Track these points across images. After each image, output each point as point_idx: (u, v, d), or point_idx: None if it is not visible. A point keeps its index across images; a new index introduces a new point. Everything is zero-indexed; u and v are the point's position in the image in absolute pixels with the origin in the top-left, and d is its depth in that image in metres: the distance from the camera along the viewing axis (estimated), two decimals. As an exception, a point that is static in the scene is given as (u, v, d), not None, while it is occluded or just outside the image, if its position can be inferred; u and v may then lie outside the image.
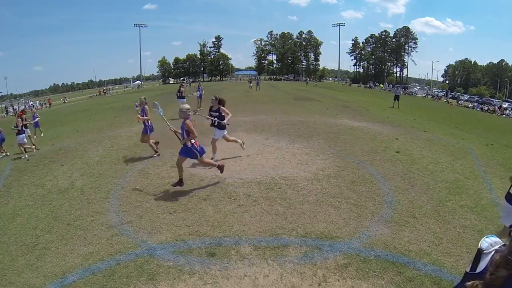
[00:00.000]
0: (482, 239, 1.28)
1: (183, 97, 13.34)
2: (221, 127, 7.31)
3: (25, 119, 10.38)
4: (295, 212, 4.96)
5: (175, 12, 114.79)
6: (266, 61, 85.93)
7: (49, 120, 14.64)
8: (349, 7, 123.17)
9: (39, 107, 39.09)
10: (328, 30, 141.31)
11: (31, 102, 43.91)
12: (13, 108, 38.96)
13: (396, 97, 22.90)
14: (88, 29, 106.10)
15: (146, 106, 8.16)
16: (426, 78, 72.14)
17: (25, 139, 9.85)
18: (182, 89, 13.71)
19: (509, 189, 3.82)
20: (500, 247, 1.22)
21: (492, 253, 1.20)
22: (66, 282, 3.50)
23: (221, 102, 7.35)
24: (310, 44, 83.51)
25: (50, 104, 43.31)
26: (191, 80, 67.01)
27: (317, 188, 5.92)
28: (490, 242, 1.24)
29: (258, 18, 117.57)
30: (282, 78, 77.91)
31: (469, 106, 37.94)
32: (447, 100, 39.35)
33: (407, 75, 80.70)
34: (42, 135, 14.07)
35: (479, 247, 1.25)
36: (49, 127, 14.36)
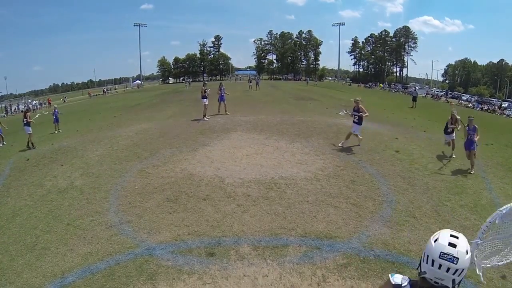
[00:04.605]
0: (393, 276, 1.37)
1: (206, 97, 13.47)
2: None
3: (29, 117, 11.39)
4: (294, 212, 4.96)
5: (172, 12, 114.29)
6: (266, 61, 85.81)
7: (49, 120, 14.58)
8: (347, 6, 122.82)
9: (39, 107, 39.02)
10: (326, 29, 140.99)
11: (34, 102, 43.86)
12: (16, 108, 38.88)
13: (414, 98, 23.48)
14: (87, 29, 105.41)
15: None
16: (426, 78, 72.06)
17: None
18: (203, 87, 13.80)
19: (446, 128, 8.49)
20: (409, 281, 1.34)
21: (406, 286, 1.31)
22: (66, 282, 3.50)
23: None
24: (310, 44, 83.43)
25: (49, 103, 43.26)
26: (190, 80, 66.86)
27: (317, 187, 5.92)
28: (401, 278, 1.35)
29: (256, 18, 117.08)
30: (282, 77, 77.82)
31: (469, 105, 37.94)
32: (447, 100, 39.34)
33: (407, 74, 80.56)
34: (56, 132, 13.67)
35: (394, 283, 1.34)
36: (49, 126, 14.33)
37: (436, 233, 1.29)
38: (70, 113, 21.71)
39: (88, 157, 8.53)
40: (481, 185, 6.34)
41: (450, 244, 1.20)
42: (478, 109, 34.79)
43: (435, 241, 1.24)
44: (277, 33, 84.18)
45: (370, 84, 60.08)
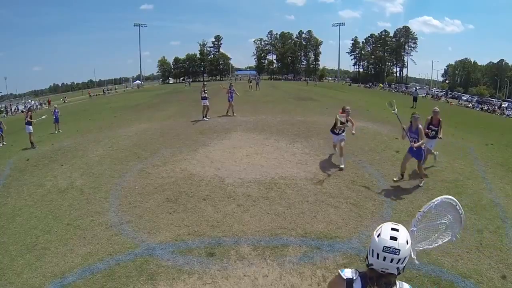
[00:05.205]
0: (343, 271, 1.43)
1: (206, 98, 13.47)
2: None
3: (31, 116, 11.69)
4: (294, 212, 4.96)
5: (172, 12, 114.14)
6: (266, 61, 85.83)
7: (49, 120, 14.57)
8: (346, 6, 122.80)
9: (39, 107, 39.00)
10: (326, 29, 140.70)
11: (33, 102, 43.95)
12: (16, 108, 38.98)
13: (415, 99, 23.31)
14: (87, 29, 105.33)
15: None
16: (426, 78, 72.11)
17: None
18: (202, 89, 13.74)
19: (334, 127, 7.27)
20: (358, 273, 1.41)
21: (357, 279, 1.39)
22: (66, 282, 3.50)
23: None
24: (310, 44, 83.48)
25: (49, 104, 43.28)
26: (190, 80, 66.89)
27: (317, 187, 5.92)
28: (351, 271, 1.42)
29: (256, 18, 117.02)
30: (282, 78, 77.85)
31: (469, 105, 37.97)
32: (447, 100, 39.33)
33: (407, 74, 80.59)
34: (56, 132, 13.71)
35: (346, 277, 1.39)
36: (49, 126, 14.33)
37: (378, 227, 1.40)
38: (70, 113, 21.70)
39: (88, 157, 8.53)
40: (481, 185, 6.33)
41: (392, 238, 1.32)
42: (478, 109, 34.80)
43: (378, 236, 1.34)
44: (277, 33, 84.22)
45: (370, 84, 60.13)
